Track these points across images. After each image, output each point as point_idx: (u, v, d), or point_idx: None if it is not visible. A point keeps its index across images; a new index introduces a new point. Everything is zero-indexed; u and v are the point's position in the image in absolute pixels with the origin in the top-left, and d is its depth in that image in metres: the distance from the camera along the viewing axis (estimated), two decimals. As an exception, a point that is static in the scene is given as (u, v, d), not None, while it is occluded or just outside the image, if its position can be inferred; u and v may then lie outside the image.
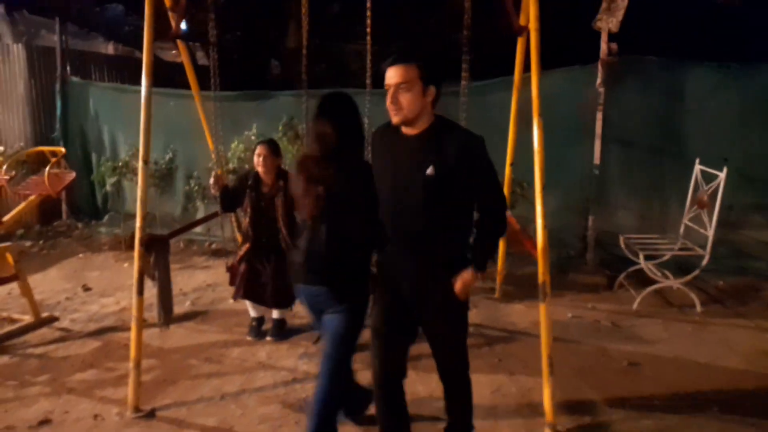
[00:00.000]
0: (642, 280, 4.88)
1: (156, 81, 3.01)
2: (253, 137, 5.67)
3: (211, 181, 3.77)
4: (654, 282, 4.51)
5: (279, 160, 3.83)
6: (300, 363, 3.59)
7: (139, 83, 2.98)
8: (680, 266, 4.85)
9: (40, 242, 6.41)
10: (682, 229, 4.68)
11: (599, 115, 5.08)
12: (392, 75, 2.11)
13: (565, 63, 5.12)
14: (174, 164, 6.37)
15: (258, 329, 3.99)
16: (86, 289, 5.00)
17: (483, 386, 3.25)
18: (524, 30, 3.30)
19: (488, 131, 2.36)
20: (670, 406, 3.04)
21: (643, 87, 4.95)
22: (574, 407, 3.02)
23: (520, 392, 3.21)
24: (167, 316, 3.39)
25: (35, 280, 4.93)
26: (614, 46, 4.89)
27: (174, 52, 9.51)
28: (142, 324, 3.13)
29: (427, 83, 2.12)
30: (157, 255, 3.27)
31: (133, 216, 6.56)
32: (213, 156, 4.42)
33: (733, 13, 5.18)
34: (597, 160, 5.15)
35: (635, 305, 4.47)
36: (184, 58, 3.80)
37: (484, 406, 3.02)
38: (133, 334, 3.06)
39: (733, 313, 4.38)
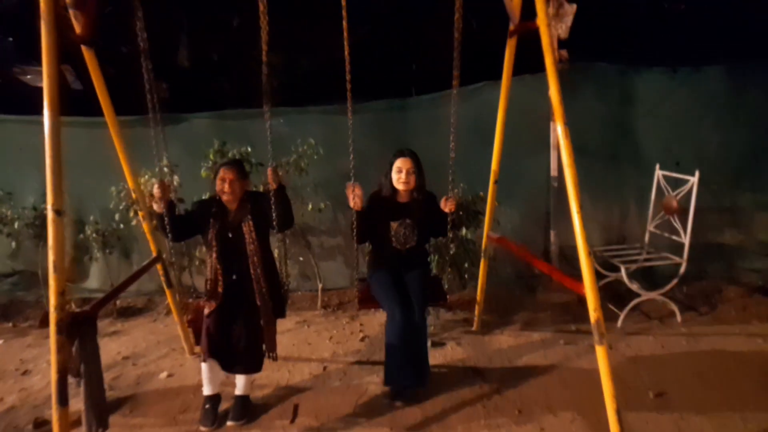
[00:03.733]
0: (614, 294, 4.67)
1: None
2: (166, 169, 4.69)
3: (155, 191, 2.96)
4: (628, 295, 4.29)
5: (247, 183, 3.15)
6: (285, 453, 2.81)
7: None
8: (644, 276, 4.71)
9: None
10: (647, 237, 4.56)
11: (552, 125, 4.84)
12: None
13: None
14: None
15: (214, 413, 3.10)
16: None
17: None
18: (524, 29, 2.89)
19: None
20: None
21: (596, 94, 4.79)
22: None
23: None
24: (102, 426, 2.43)
25: None
26: (564, 53, 4.68)
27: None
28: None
29: None
30: (82, 340, 2.33)
31: (6, 276, 5.26)
32: (134, 194, 3.50)
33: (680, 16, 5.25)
34: (554, 171, 4.90)
35: (619, 323, 4.22)
36: (92, 71, 2.84)
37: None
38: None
39: (712, 319, 4.30)
